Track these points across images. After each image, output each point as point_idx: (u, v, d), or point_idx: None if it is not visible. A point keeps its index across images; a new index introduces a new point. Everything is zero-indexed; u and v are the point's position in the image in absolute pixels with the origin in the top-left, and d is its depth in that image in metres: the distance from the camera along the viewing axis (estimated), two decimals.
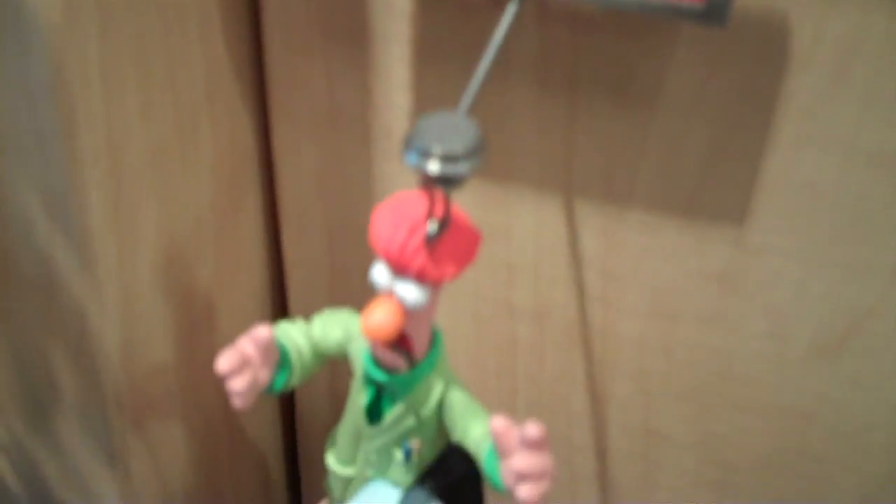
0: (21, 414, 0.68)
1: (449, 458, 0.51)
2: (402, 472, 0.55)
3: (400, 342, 0.51)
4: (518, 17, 0.49)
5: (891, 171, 0.51)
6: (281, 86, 0.63)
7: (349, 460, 0.58)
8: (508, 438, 0.47)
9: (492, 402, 0.62)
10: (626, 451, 0.69)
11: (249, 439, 0.78)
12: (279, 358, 0.55)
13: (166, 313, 0.63)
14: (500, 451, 0.47)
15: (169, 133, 0.58)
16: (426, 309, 0.49)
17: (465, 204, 0.57)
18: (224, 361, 0.51)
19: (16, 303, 0.60)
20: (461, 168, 0.41)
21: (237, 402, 0.52)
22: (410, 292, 0.47)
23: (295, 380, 0.56)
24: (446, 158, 0.41)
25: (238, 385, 0.51)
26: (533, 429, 0.45)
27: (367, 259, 0.49)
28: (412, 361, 0.52)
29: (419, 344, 0.52)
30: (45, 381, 0.64)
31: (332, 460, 0.60)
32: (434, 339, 0.53)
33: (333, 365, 0.75)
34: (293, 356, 0.55)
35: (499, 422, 0.47)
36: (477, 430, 0.52)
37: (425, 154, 0.42)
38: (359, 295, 0.67)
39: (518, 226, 0.62)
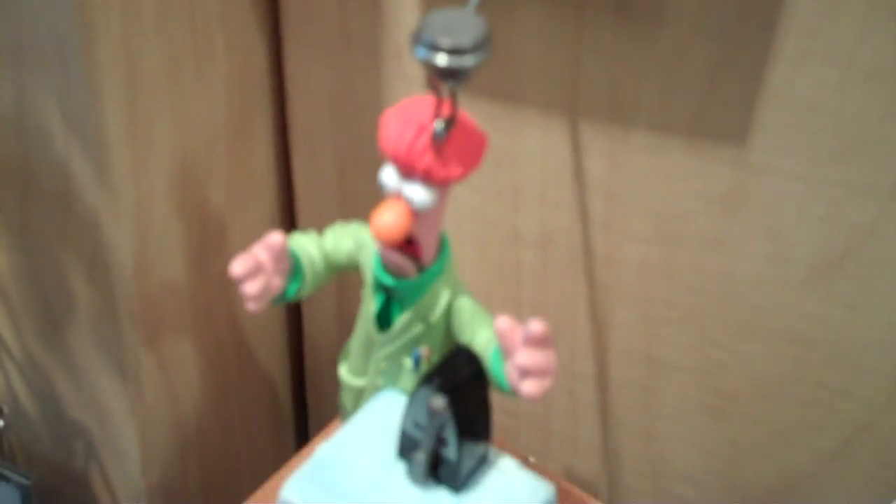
0: (36, 331, 0.70)
1: (455, 358, 0.52)
2: (411, 381, 0.56)
3: (408, 248, 0.52)
4: None
5: (889, 87, 0.52)
6: (294, 9, 0.64)
7: (361, 371, 0.59)
8: (513, 337, 0.48)
9: None
10: (627, 379, 0.70)
11: (259, 361, 0.80)
12: (292, 266, 0.56)
13: (179, 230, 0.64)
14: (504, 350, 0.49)
15: (184, 48, 0.59)
16: (433, 212, 0.50)
17: None
18: (238, 266, 0.52)
19: (33, 214, 0.62)
20: (468, 61, 0.43)
21: (251, 306, 0.53)
22: (418, 193, 0.49)
23: (307, 288, 0.57)
24: (454, 51, 0.42)
25: (251, 289, 0.53)
26: (536, 325, 0.46)
27: (376, 182, 0.50)
28: (420, 266, 0.53)
29: (427, 249, 0.53)
30: (61, 294, 0.65)
31: (344, 371, 0.61)
32: (442, 246, 0.54)
33: (341, 290, 0.76)
34: (305, 265, 0.57)
35: (503, 321, 0.48)
36: (483, 335, 0.54)
37: (433, 47, 0.43)
38: (367, 217, 0.69)
39: (525, 149, 0.63)
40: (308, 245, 0.58)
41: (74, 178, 0.58)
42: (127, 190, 0.59)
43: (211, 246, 0.68)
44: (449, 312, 0.55)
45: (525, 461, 0.74)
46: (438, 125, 0.47)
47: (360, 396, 0.60)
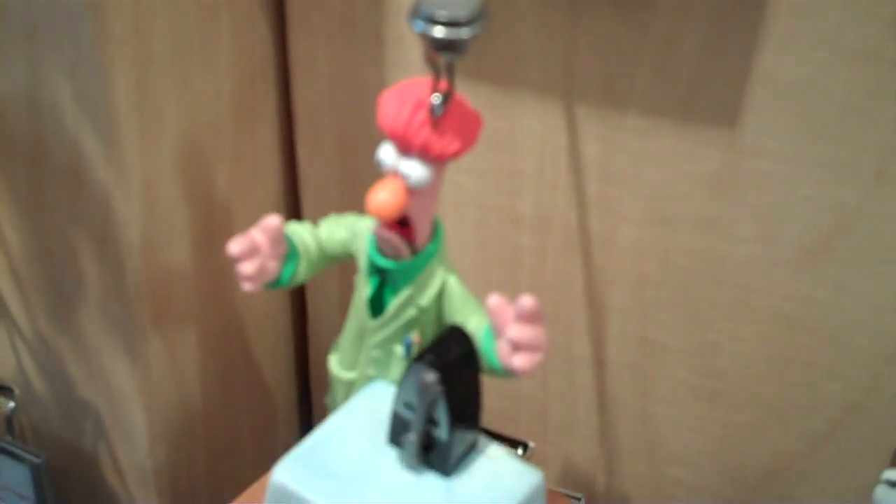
0: (46, 310, 0.71)
1: (447, 337, 0.53)
2: (402, 370, 0.58)
3: (402, 230, 0.54)
4: None
5: (873, 68, 0.54)
6: None
7: (351, 364, 0.61)
8: (504, 314, 0.50)
9: None
10: (623, 362, 0.71)
11: (263, 347, 0.82)
12: (287, 251, 0.58)
13: (185, 210, 0.66)
14: (496, 328, 0.50)
15: (191, 30, 0.61)
16: (429, 191, 0.52)
17: None
18: (235, 245, 0.54)
19: (44, 191, 0.64)
20: (464, 33, 0.45)
21: (246, 286, 0.55)
22: (414, 169, 0.50)
23: (301, 275, 0.59)
24: (450, 23, 0.44)
25: (247, 269, 0.55)
26: (527, 301, 0.48)
27: (377, 167, 0.52)
28: (414, 249, 0.55)
29: (421, 231, 0.54)
30: (71, 272, 0.67)
31: (334, 365, 0.62)
32: (435, 230, 0.56)
33: (345, 278, 0.78)
34: (300, 250, 0.58)
35: (495, 299, 0.50)
36: (474, 320, 0.55)
37: (430, 20, 0.45)
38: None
39: (523, 134, 0.65)
40: (303, 233, 0.59)
41: (85, 155, 0.60)
42: (135, 168, 0.61)
43: (216, 228, 0.69)
44: (441, 297, 0.56)
45: (525, 447, 0.76)
46: (436, 99, 0.48)
47: (351, 390, 0.61)
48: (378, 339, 0.57)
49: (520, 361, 0.49)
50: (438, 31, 0.45)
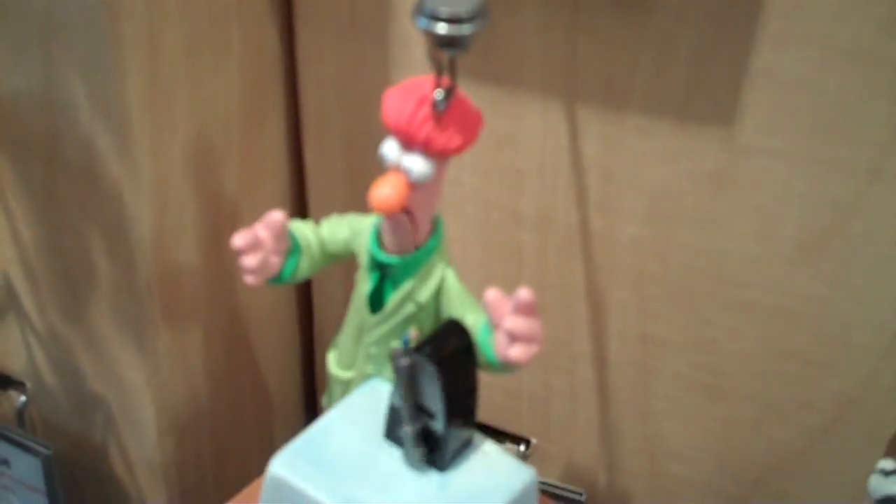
0: (58, 304, 0.73)
1: (445, 330, 0.54)
2: None
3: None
4: None
5: (866, 66, 0.55)
6: None
7: (350, 363, 0.62)
8: (501, 307, 0.51)
9: None
10: (624, 358, 0.72)
11: (269, 343, 0.83)
12: (290, 248, 0.59)
13: (195, 207, 0.68)
14: (493, 321, 0.51)
15: (202, 30, 0.62)
16: (430, 186, 0.53)
17: None
18: (239, 239, 0.56)
19: (58, 187, 0.65)
20: (466, 29, 0.46)
21: (248, 279, 0.57)
22: (416, 164, 0.52)
23: (302, 271, 0.60)
24: (452, 20, 0.46)
25: (250, 262, 0.56)
26: (524, 293, 0.49)
27: (383, 166, 0.53)
28: (415, 243, 0.56)
29: (422, 225, 0.55)
30: (83, 266, 0.68)
31: (333, 364, 0.63)
32: (435, 225, 0.57)
33: (350, 277, 0.79)
34: (303, 247, 0.59)
35: (492, 293, 0.51)
36: (471, 317, 0.56)
37: (433, 16, 0.46)
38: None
39: (524, 132, 0.66)
40: (306, 230, 0.60)
41: (98, 152, 0.61)
42: (147, 165, 0.62)
43: (224, 225, 0.71)
44: (439, 293, 0.57)
45: (527, 443, 0.77)
46: (438, 95, 0.50)
47: (348, 389, 0.62)
48: (377, 335, 0.58)
49: (516, 352, 0.50)
50: (441, 28, 0.46)
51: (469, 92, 0.54)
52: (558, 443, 0.78)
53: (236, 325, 0.77)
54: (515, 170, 0.68)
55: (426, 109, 0.50)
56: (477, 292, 0.58)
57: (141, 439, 0.76)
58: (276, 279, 0.59)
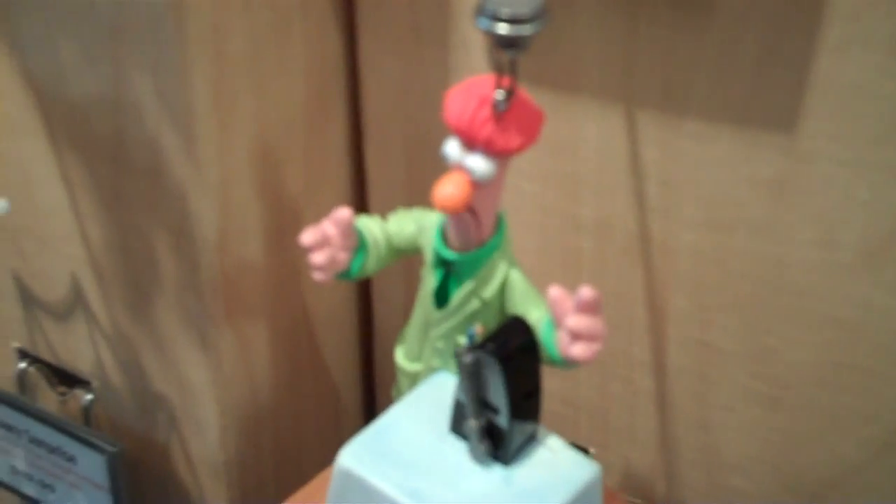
0: (125, 304, 0.74)
1: (509, 327, 0.55)
2: None
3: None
4: None
5: None
6: (367, 1, 0.69)
7: (416, 356, 0.63)
8: (564, 304, 0.51)
9: None
10: (682, 367, 0.72)
11: (330, 344, 0.84)
12: (357, 244, 0.60)
13: (258, 208, 0.69)
14: (556, 318, 0.52)
15: (266, 33, 0.64)
16: (493, 185, 0.54)
17: None
18: (307, 236, 0.57)
19: (124, 187, 0.67)
20: (526, 30, 0.47)
21: (317, 276, 0.58)
22: (478, 163, 0.52)
23: (370, 267, 0.61)
24: (513, 20, 0.47)
25: (318, 259, 0.57)
26: (587, 291, 0.50)
27: (442, 169, 0.54)
28: (479, 241, 0.56)
29: (486, 222, 0.56)
30: (149, 266, 0.70)
31: (400, 357, 0.64)
32: (499, 222, 0.58)
33: (409, 278, 0.80)
34: (370, 243, 0.61)
35: (556, 290, 0.51)
36: (535, 313, 0.57)
37: (494, 17, 0.47)
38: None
39: (582, 138, 0.66)
40: (373, 226, 0.61)
41: (164, 153, 0.63)
42: (212, 165, 0.63)
43: (287, 226, 0.72)
44: (503, 289, 0.58)
45: (585, 452, 0.77)
46: (499, 95, 0.50)
47: (416, 381, 0.63)
48: (442, 330, 0.59)
49: (578, 350, 0.50)
50: (502, 28, 0.47)
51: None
52: (616, 452, 0.78)
53: (298, 325, 0.78)
54: (573, 176, 0.68)
55: (487, 110, 0.51)
56: None
57: (204, 438, 0.77)
58: (344, 275, 0.60)
